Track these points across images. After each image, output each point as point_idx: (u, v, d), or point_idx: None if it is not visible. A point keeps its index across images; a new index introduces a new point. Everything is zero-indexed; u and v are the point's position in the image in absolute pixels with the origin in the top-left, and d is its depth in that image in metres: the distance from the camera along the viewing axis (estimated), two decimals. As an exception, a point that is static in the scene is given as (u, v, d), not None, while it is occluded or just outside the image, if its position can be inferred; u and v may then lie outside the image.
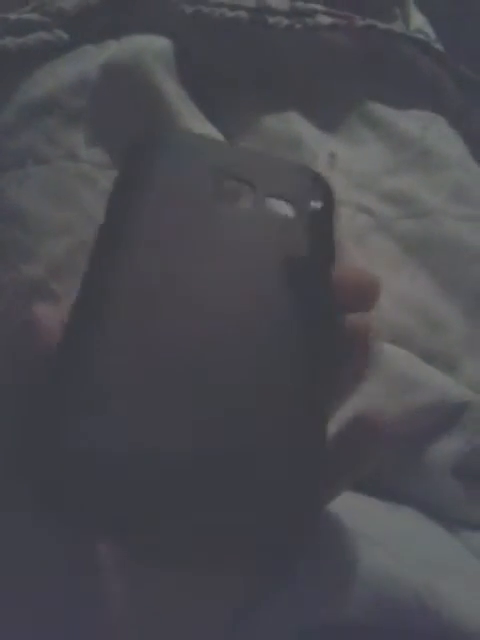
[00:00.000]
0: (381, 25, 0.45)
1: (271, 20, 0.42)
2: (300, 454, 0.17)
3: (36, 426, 0.17)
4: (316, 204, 0.22)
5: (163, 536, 0.18)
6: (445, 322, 0.37)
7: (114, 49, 0.40)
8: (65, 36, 0.41)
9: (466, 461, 0.31)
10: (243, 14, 0.42)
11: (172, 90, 0.39)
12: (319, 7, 0.44)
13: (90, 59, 0.40)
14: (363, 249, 0.38)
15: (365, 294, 0.22)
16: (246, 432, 0.17)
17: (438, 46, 0.56)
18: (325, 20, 0.44)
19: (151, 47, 0.39)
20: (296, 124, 0.42)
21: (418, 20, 0.56)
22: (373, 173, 0.41)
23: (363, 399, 0.29)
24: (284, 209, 0.22)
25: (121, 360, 0.18)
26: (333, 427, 0.21)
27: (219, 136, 0.40)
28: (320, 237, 0.22)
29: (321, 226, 0.22)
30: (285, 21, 0.43)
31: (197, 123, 0.39)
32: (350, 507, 0.26)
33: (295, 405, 0.18)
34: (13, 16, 0.40)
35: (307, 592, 0.25)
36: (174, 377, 0.18)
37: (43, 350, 0.19)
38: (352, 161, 0.42)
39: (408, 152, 0.42)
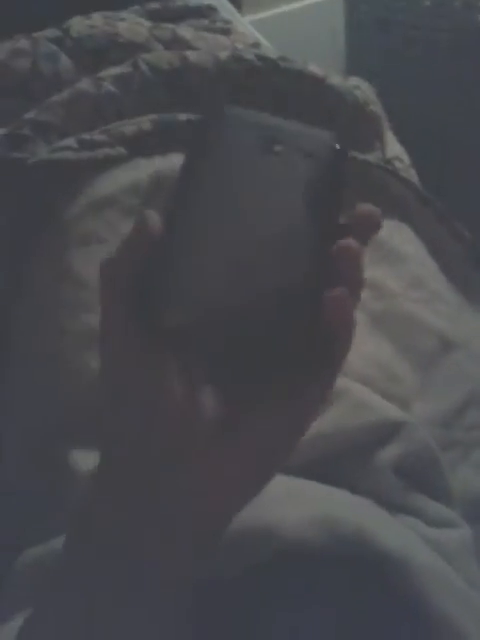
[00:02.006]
0: (359, 156, 0.58)
1: None
2: (304, 297, 0.29)
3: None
4: (328, 157, 0.32)
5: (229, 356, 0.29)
6: (401, 376, 0.48)
7: (160, 162, 0.54)
8: (124, 151, 0.54)
9: (403, 463, 0.42)
10: None
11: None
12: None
13: (142, 169, 0.53)
14: None
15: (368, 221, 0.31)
16: (274, 291, 0.29)
17: (411, 171, 0.71)
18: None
19: None
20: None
21: (396, 149, 0.71)
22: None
23: (329, 414, 0.41)
24: (306, 160, 0.32)
25: (198, 259, 0.29)
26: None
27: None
28: (329, 178, 0.32)
29: (330, 172, 0.32)
30: None
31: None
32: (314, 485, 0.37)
33: (303, 278, 0.29)
34: (87, 136, 0.54)
35: (261, 526, 0.34)
36: (231, 267, 0.29)
37: (150, 239, 0.29)
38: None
39: (378, 251, 0.55)
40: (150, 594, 0.29)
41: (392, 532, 0.36)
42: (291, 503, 0.36)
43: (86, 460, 0.42)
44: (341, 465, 0.41)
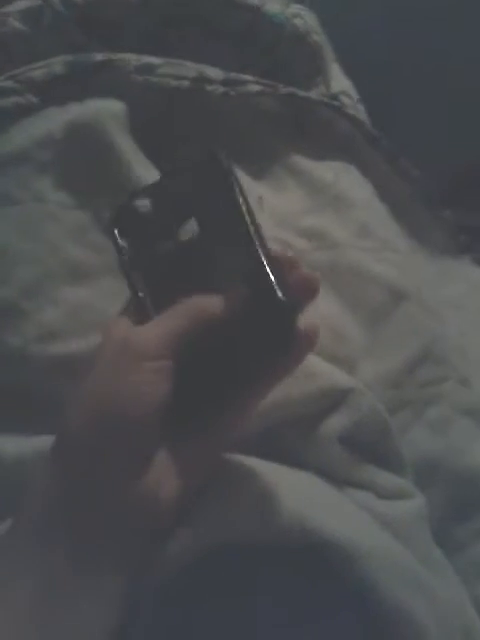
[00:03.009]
0: (301, 93, 0.54)
1: (209, 88, 0.51)
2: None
3: None
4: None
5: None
6: (348, 335, 0.45)
7: (76, 110, 0.48)
8: (35, 100, 0.48)
9: (349, 433, 0.39)
10: (185, 83, 0.50)
11: (124, 144, 0.47)
12: (249, 77, 0.53)
13: (55, 119, 0.48)
14: None
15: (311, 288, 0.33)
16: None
17: (359, 106, 0.66)
18: (254, 88, 0.52)
19: (107, 109, 0.47)
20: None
21: (343, 84, 0.66)
22: (293, 213, 0.50)
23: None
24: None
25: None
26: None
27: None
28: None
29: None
30: (221, 88, 0.51)
31: (146, 171, 0.47)
32: (256, 465, 0.34)
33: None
34: (-10, 83, 0.48)
35: (202, 517, 0.32)
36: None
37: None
38: (276, 204, 0.50)
39: (322, 196, 0.51)
40: (94, 580, 0.30)
41: (338, 516, 0.33)
42: (232, 494, 0.33)
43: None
44: (285, 438, 0.38)
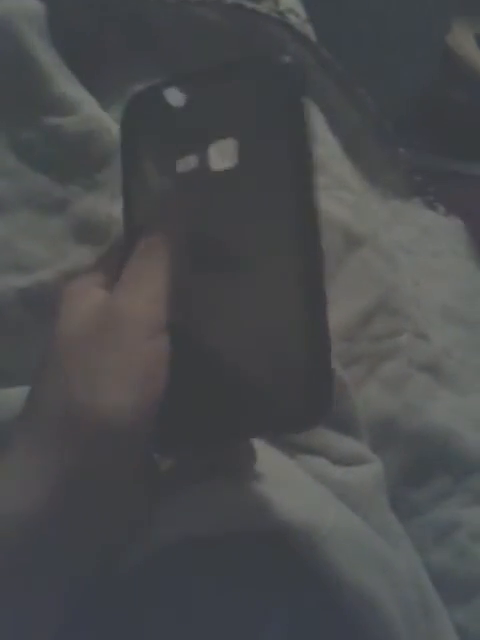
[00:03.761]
0: (248, 4, 0.47)
1: None
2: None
3: None
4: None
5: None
6: None
7: None
8: None
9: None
10: None
11: (44, 53, 0.40)
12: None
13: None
14: None
15: None
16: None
17: (307, 26, 0.61)
18: (195, -5, 0.46)
19: (21, 9, 0.40)
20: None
21: (290, 1, 0.60)
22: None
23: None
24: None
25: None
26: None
27: (92, 101, 0.41)
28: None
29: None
30: None
31: (70, 87, 0.40)
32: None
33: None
34: None
35: (166, 513, 0.28)
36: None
37: None
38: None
39: None
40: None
41: (294, 494, 0.30)
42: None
43: None
44: None
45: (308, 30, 0.60)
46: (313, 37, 0.59)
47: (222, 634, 0.27)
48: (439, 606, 0.34)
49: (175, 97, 0.27)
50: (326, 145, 0.47)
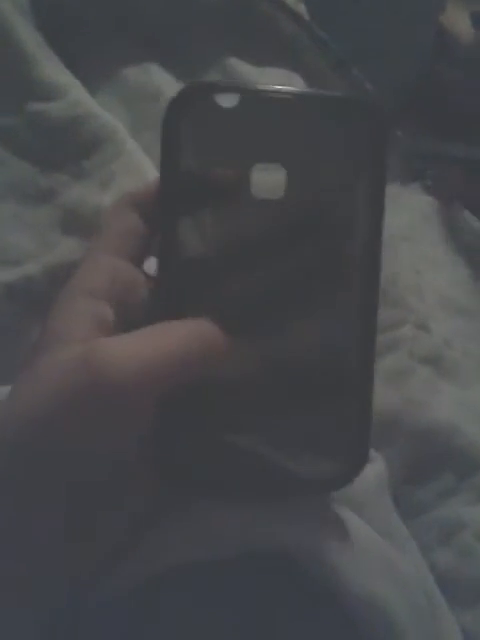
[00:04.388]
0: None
1: None
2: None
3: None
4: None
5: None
6: None
7: None
8: None
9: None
10: None
11: (26, 34, 0.38)
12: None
13: None
14: None
15: None
16: None
17: (300, 5, 0.58)
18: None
19: None
20: (156, 76, 0.42)
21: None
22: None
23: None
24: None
25: None
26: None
27: (77, 84, 0.39)
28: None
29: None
30: None
31: (55, 71, 0.39)
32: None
33: None
34: None
35: (152, 542, 0.27)
36: None
37: None
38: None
39: None
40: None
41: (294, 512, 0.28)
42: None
43: None
44: None
45: (301, 9, 0.58)
46: (306, 16, 0.58)
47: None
48: (445, 609, 0.33)
49: (230, 101, 0.24)
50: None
